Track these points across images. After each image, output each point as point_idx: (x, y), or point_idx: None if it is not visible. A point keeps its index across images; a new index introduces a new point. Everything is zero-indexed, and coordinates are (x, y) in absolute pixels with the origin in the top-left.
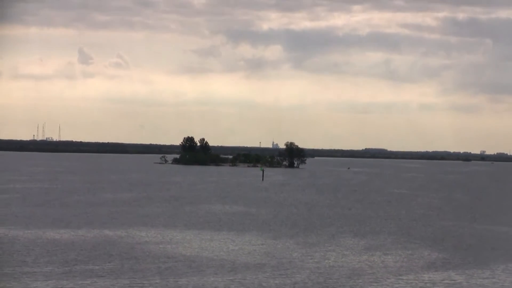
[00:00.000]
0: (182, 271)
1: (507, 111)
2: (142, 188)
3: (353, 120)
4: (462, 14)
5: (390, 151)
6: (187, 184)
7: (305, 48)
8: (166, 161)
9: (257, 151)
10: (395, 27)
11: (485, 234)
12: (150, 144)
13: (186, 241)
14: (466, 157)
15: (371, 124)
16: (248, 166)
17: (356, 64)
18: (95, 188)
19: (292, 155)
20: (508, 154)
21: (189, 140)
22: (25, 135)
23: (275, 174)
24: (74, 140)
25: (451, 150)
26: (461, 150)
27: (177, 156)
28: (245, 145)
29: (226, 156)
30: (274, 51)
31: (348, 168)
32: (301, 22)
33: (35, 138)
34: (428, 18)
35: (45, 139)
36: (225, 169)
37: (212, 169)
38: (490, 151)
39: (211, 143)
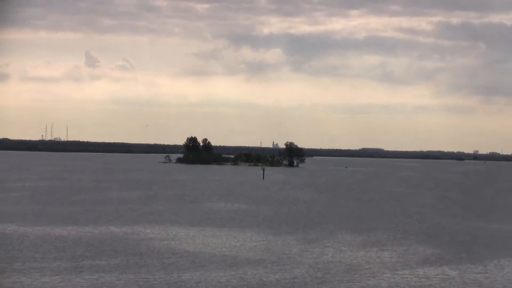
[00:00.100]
0: (186, 266)
1: (499, 112)
2: (147, 187)
3: (350, 120)
4: (455, 19)
5: (387, 150)
6: (190, 182)
7: (304, 51)
8: (170, 160)
9: (257, 151)
10: (391, 31)
11: (478, 231)
12: (155, 144)
13: (190, 238)
14: (460, 157)
15: (368, 124)
16: (249, 165)
17: (353, 67)
18: (102, 187)
19: (291, 155)
20: (500, 153)
21: (192, 140)
22: (34, 136)
23: (275, 173)
24: (81, 140)
25: (445, 150)
26: (455, 149)
27: (181, 155)
28: (246, 145)
29: (228, 156)
30: (274, 55)
31: (346, 167)
32: (301, 26)
33: (44, 138)
34: (423, 23)
35: (53, 139)
36: (227, 168)
37: (214, 168)
38: (483, 150)
39: (214, 143)
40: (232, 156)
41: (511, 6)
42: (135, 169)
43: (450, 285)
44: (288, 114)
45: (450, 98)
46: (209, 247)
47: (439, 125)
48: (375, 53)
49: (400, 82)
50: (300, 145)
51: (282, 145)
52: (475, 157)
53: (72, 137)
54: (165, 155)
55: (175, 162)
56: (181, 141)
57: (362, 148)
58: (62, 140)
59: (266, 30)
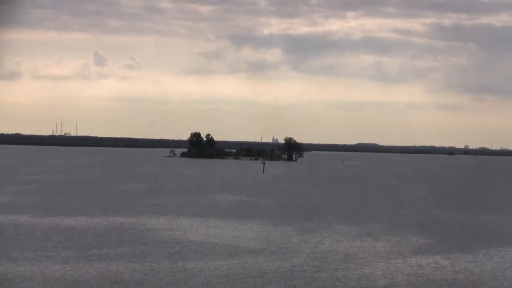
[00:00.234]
0: (190, 255)
1: (488, 109)
2: (153, 179)
3: (346, 117)
4: (447, 20)
5: (381, 145)
6: (194, 175)
7: (303, 51)
8: (174, 154)
9: (258, 146)
10: (385, 32)
11: (468, 222)
12: (160, 139)
13: (193, 228)
14: (451, 151)
15: (364, 121)
16: (250, 159)
17: (349, 66)
18: (109, 179)
19: (290, 149)
20: (490, 148)
21: (196, 136)
22: (45, 131)
23: (275, 167)
24: (90, 135)
25: (437, 145)
26: (446, 144)
27: (185, 150)
28: (247, 140)
29: (230, 150)
30: (274, 54)
31: (342, 161)
32: (299, 27)
33: (54, 134)
34: (416, 24)
35: (63, 134)
36: (229, 162)
37: (217, 162)
38: (473, 145)
39: (216, 138)
40: (234, 151)
41: (500, 8)
42: (141, 163)
43: (441, 274)
44: (287, 111)
45: (442, 96)
46: (212, 237)
47: (431, 122)
48: (370, 53)
49: (394, 81)
50: (298, 140)
51: (281, 140)
52: (466, 152)
53: (81, 132)
54: (170, 149)
55: (180, 156)
56: (185, 136)
57: (358, 143)
58: (72, 135)
59: (266, 31)
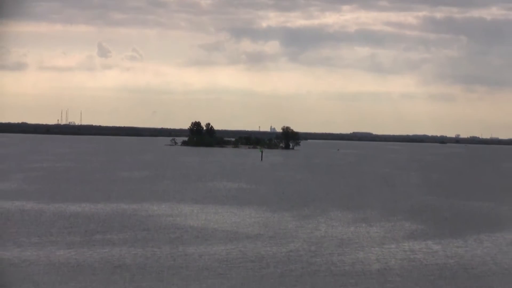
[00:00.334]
0: (190, 241)
1: (478, 100)
2: (154, 167)
3: (342, 107)
4: (439, 14)
5: (375, 134)
6: (194, 163)
7: (300, 43)
8: (176, 143)
9: (256, 135)
10: (380, 25)
11: (459, 208)
12: (162, 128)
13: (194, 214)
14: (443, 140)
15: (359, 111)
16: (249, 148)
17: (345, 58)
18: (112, 167)
19: (288, 138)
20: (480, 137)
21: (196, 125)
22: (50, 120)
23: (272, 155)
24: (94, 125)
25: (429, 134)
26: (438, 134)
27: (186, 138)
28: (246, 129)
29: (229, 139)
30: (272, 46)
31: (338, 149)
32: (296, 20)
33: (59, 123)
34: (409, 17)
35: (68, 123)
36: (228, 150)
37: (216, 150)
38: (464, 134)
39: (216, 127)
40: (233, 139)
41: (490, 2)
42: (143, 151)
43: (433, 258)
44: (285, 101)
45: (434, 87)
46: (212, 223)
47: (423, 111)
48: (365, 45)
49: (388, 72)
50: (295, 129)
51: (279, 129)
52: (457, 140)
53: (85, 122)
54: (171, 138)
55: (181, 145)
56: (186, 125)
57: (353, 132)
58: (76, 124)
59: (264, 24)
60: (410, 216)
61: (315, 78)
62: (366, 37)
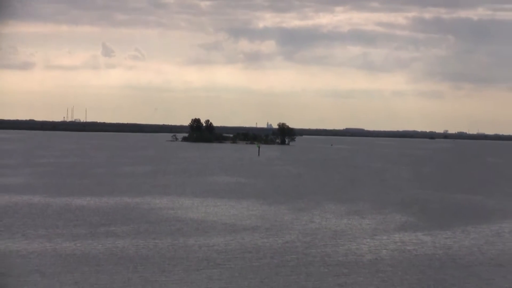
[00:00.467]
0: (190, 233)
1: (466, 97)
2: (156, 162)
3: (335, 104)
4: (428, 14)
5: (367, 130)
6: (195, 158)
7: (295, 43)
8: (176, 139)
9: (254, 131)
10: (371, 25)
11: (448, 201)
12: (163, 125)
13: (194, 207)
14: (432, 136)
15: (351, 107)
16: (246, 143)
17: (338, 57)
18: (116, 162)
19: (283, 134)
20: (467, 133)
21: (196, 121)
22: (56, 117)
23: (269, 150)
24: (98, 121)
25: (419, 130)
26: (427, 129)
27: (186, 135)
28: (244, 125)
29: (227, 135)
30: (268, 46)
31: (332, 145)
32: (292, 21)
33: (65, 120)
34: (399, 18)
35: (73, 120)
36: (226, 146)
37: (215, 146)
38: (452, 130)
39: (215, 123)
40: (231, 135)
41: (477, 3)
42: (145, 147)
43: (423, 249)
44: (281, 98)
45: (424, 84)
46: (211, 216)
47: (413, 108)
48: (357, 45)
49: (380, 70)
50: (291, 126)
51: (275, 126)
52: (445, 136)
53: (90, 119)
54: (172, 134)
55: (181, 141)
56: (186, 122)
57: (346, 128)
58: (82, 121)
59: (261, 24)
60: (400, 208)
61: (309, 76)
62: (359, 36)
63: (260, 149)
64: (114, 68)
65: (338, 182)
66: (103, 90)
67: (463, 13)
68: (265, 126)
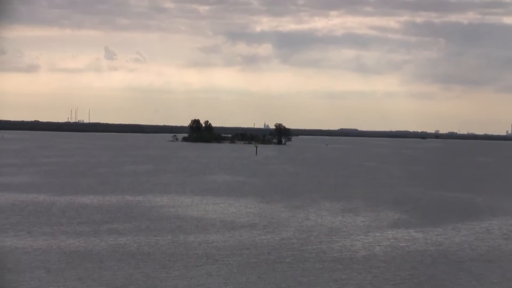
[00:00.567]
0: (190, 230)
1: (456, 98)
2: (157, 162)
3: (330, 105)
4: (419, 18)
5: (361, 130)
6: (194, 158)
7: (291, 46)
8: (177, 139)
9: (251, 131)
10: (365, 29)
11: (439, 198)
12: (164, 125)
13: (194, 205)
14: (423, 136)
15: (345, 108)
16: (244, 143)
17: (333, 59)
18: (118, 162)
19: (280, 134)
20: (458, 133)
21: (195, 122)
22: (60, 118)
23: (266, 150)
24: (101, 122)
25: (411, 130)
26: (419, 129)
27: (186, 135)
28: (242, 126)
29: (226, 135)
30: (265, 49)
31: (326, 144)
32: (288, 25)
33: (69, 121)
34: (392, 22)
35: (77, 121)
36: (225, 145)
37: (214, 145)
38: (443, 130)
39: (214, 124)
40: (230, 136)
41: (467, 7)
42: (146, 147)
43: (415, 245)
44: (277, 100)
45: (415, 86)
46: (210, 213)
47: (405, 109)
48: (351, 48)
49: (372, 72)
50: (287, 126)
51: (272, 126)
52: (436, 136)
53: (93, 120)
54: (173, 134)
55: (181, 141)
56: (186, 122)
57: (340, 129)
58: (85, 122)
59: (258, 28)
60: (393, 206)
61: (305, 78)
62: (352, 40)
63: (257, 149)
64: (116, 70)
65: (332, 181)
66: (106, 92)
67: (453, 17)
68: (262, 126)
